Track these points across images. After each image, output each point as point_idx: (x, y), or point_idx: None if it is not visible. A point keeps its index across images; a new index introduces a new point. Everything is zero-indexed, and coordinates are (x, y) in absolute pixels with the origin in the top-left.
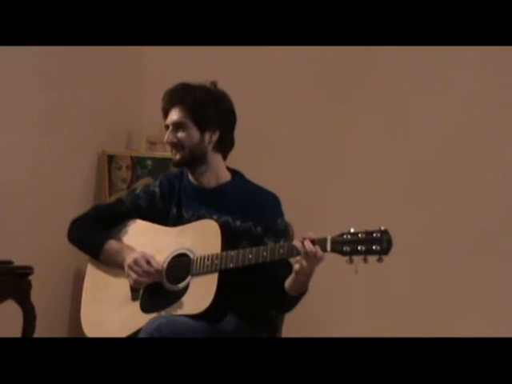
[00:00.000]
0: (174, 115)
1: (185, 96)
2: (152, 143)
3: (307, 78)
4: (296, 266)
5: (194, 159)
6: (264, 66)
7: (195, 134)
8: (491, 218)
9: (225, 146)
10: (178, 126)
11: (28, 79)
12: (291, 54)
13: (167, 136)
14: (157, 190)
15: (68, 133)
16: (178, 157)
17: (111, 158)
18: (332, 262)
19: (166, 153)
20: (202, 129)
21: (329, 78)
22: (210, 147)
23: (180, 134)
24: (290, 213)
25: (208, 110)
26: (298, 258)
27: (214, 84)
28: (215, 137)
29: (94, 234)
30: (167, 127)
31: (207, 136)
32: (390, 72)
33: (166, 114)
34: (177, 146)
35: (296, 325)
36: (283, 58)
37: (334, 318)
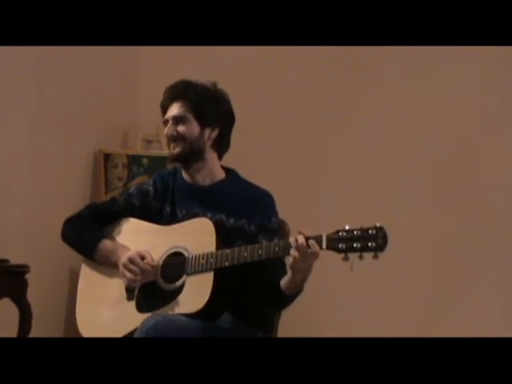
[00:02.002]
0: (175, 109)
1: (187, 91)
2: (148, 141)
3: (306, 77)
4: (290, 260)
5: (193, 154)
6: (260, 66)
7: (196, 128)
8: (490, 217)
9: (221, 145)
10: (178, 120)
11: (24, 78)
12: (290, 53)
13: (167, 130)
14: (150, 188)
15: (64, 131)
16: (177, 150)
17: (107, 157)
18: (328, 261)
19: (162, 151)
20: (203, 124)
21: (327, 77)
22: (208, 144)
23: (180, 127)
24: (286, 211)
25: (209, 106)
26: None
27: (215, 84)
28: (214, 134)
29: (87, 233)
30: (166, 122)
31: (207, 132)
32: (389, 71)
33: (165, 110)
34: (176, 139)
35: (291, 324)
36: (281, 58)
37: (330, 317)
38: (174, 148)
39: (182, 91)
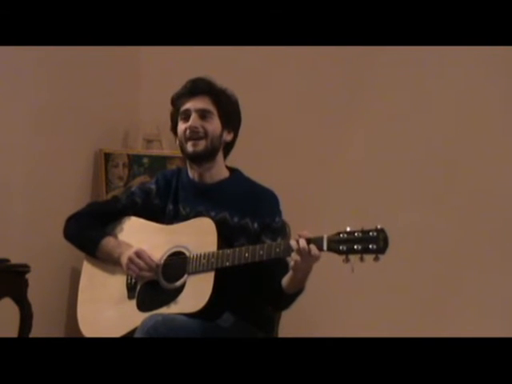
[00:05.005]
0: (201, 102)
1: (213, 88)
2: (148, 141)
3: (307, 78)
4: (291, 263)
5: (209, 153)
6: (261, 66)
7: (219, 126)
8: (491, 219)
9: (229, 148)
10: (204, 113)
11: (26, 78)
12: (291, 53)
13: (192, 121)
14: (153, 186)
15: (65, 131)
16: (199, 148)
17: (108, 156)
18: (328, 262)
19: (163, 151)
20: (224, 125)
21: (329, 77)
22: (222, 145)
23: (206, 124)
24: (288, 212)
25: (233, 108)
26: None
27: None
28: (229, 137)
29: (89, 230)
30: (186, 113)
31: (225, 133)
32: (390, 72)
33: (181, 101)
34: (199, 133)
35: (291, 324)
36: (282, 58)
37: (330, 317)
38: (194, 145)
39: (207, 86)
